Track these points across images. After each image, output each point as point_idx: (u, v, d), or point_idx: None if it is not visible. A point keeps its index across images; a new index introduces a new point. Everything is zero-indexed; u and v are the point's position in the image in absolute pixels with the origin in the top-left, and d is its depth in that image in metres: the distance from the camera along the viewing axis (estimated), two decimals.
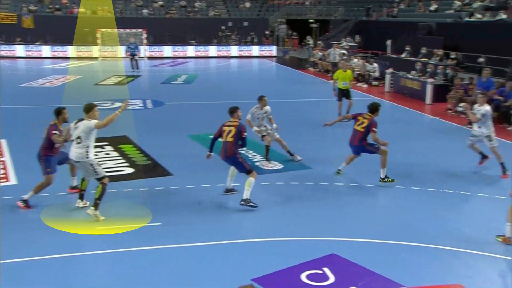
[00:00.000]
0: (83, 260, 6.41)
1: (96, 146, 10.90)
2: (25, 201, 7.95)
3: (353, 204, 8.37)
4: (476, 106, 9.98)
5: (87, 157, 7.53)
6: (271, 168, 10.17)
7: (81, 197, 7.98)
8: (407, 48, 23.87)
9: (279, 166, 10.33)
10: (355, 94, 15.23)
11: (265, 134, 10.45)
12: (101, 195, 7.52)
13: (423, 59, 21.45)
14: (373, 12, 37.52)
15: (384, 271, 5.93)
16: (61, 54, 33.62)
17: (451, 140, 12.74)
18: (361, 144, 9.22)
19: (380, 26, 32.52)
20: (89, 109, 7.64)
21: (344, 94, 15.09)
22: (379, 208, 8.31)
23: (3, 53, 32.93)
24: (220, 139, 8.34)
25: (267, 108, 10.61)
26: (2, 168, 9.83)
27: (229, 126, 8.22)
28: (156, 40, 35.71)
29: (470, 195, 8.77)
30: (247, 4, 42.42)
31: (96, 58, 33.19)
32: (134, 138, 12.14)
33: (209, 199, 8.49)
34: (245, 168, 8.11)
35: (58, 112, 8.27)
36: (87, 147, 7.52)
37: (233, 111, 8.44)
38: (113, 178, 8.85)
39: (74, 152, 7.57)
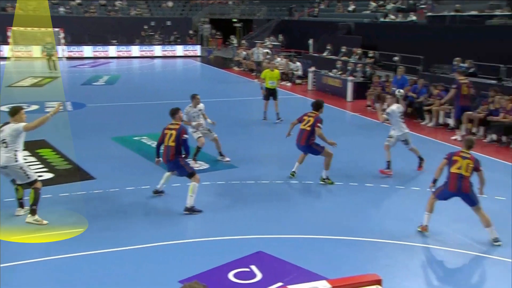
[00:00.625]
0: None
1: None
2: None
3: (279, 201, 8.50)
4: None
5: (16, 161, 7.22)
6: (197, 168, 10.10)
7: (21, 205, 7.66)
8: (328, 47, 24.63)
9: (205, 166, 10.31)
10: (279, 93, 15.46)
11: (200, 135, 10.35)
12: (35, 200, 7.29)
13: (343, 58, 22.22)
14: (295, 12, 38.37)
15: (309, 265, 6.08)
16: None
17: (370, 136, 13.29)
18: (308, 144, 9.19)
19: (302, 26, 33.30)
20: (15, 112, 7.37)
21: (271, 93, 15.10)
22: (304, 204, 8.49)
23: None
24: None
25: (201, 105, 10.55)
26: None
27: (170, 129, 7.98)
28: (74, 40, 34.33)
29: (390, 188, 9.19)
30: (170, 4, 41.86)
31: (8, 58, 31.32)
32: (53, 142, 11.62)
33: (134, 202, 8.31)
34: (187, 171, 7.97)
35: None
36: (15, 150, 7.22)
37: (174, 113, 8.18)
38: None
39: (1, 157, 7.20)
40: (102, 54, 34.28)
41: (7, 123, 7.38)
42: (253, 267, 6.01)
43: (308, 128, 9.16)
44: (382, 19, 26.56)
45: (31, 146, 11.08)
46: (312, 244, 6.87)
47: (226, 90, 21.79)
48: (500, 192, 8.58)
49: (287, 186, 9.22)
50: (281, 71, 23.25)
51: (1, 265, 6.06)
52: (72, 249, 6.57)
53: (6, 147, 7.21)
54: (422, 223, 7.12)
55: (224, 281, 5.74)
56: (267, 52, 25.77)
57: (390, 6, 27.71)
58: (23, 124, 7.29)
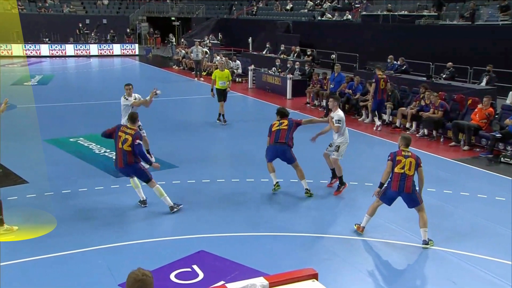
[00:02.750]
0: None
1: None
2: None
3: (221, 201, 8.48)
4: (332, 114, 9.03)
5: None
6: None
7: None
8: (267, 45, 24.86)
9: (145, 166, 10.09)
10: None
11: None
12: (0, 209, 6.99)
13: (282, 56, 22.50)
14: (234, 10, 38.44)
15: (251, 263, 6.12)
16: None
17: (310, 132, 13.51)
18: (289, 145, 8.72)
19: (241, 24, 33.43)
20: None
21: (222, 94, 14.37)
22: (245, 202, 8.52)
23: None
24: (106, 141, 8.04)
25: (136, 95, 10.30)
26: None
27: (126, 133, 7.72)
28: (2, 38, 32.66)
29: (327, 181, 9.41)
30: (105, 1, 40.75)
31: None
32: None
33: (72, 205, 8.03)
34: (147, 176, 7.79)
35: None
36: None
37: (135, 117, 7.97)
38: None
39: None
40: (34, 53, 32.86)
41: None
42: (195, 267, 5.97)
43: (285, 128, 8.73)
44: (319, 18, 27.13)
45: None
46: (253, 241, 6.91)
47: (166, 90, 21.45)
48: (431, 185, 8.99)
49: (228, 185, 9.21)
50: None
51: None
52: (7, 256, 6.27)
53: None
54: (360, 223, 7.17)
55: (166, 282, 5.66)
56: (206, 51, 25.67)
57: (326, 5, 28.35)
58: None
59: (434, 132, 12.90)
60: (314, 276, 3.35)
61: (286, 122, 8.78)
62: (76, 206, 8.06)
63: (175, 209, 7.82)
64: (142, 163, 7.88)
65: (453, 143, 12.25)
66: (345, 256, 6.58)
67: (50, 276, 5.91)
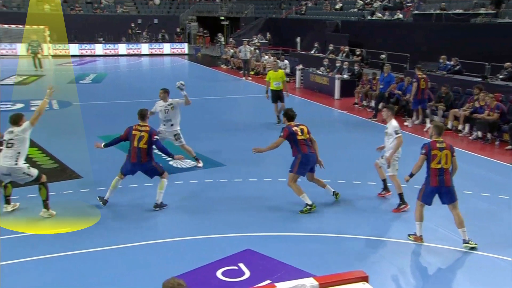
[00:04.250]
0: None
1: None
2: None
3: (267, 199, 8.51)
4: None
5: (16, 164, 7.23)
6: (184, 167, 10.09)
7: (8, 202, 7.62)
8: (316, 45, 24.69)
9: (192, 164, 10.27)
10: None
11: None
12: (47, 194, 7.40)
13: (330, 56, 22.29)
14: (283, 10, 38.41)
15: (297, 263, 6.11)
16: None
17: (357, 133, 13.36)
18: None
19: (289, 24, 33.35)
20: (17, 120, 7.39)
21: (277, 95, 14.16)
22: (292, 202, 8.50)
23: None
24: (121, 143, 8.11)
25: (170, 100, 10.24)
26: None
27: (140, 131, 7.85)
28: (60, 37, 33.97)
29: (377, 185, 9.24)
30: (157, 1, 41.64)
31: None
32: (39, 141, 11.50)
33: (124, 201, 8.26)
34: (158, 171, 7.96)
35: None
36: (18, 152, 7.23)
37: (144, 114, 8.07)
38: (16, 184, 8.33)
39: (2, 161, 7.20)
40: (89, 52, 34.02)
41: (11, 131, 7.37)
42: (241, 265, 6.02)
43: (308, 136, 8.19)
44: (369, 17, 26.70)
45: None
46: (299, 241, 6.89)
47: (215, 89, 21.75)
48: (485, 189, 8.68)
49: (274, 185, 9.22)
50: (269, 69, 23.30)
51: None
52: (55, 249, 6.53)
53: (10, 147, 7.18)
54: (414, 233, 6.90)
55: (212, 279, 5.74)
56: (255, 50, 25.79)
57: (377, 4, 27.86)
58: (27, 121, 7.32)
59: (488, 135, 12.44)
60: (365, 279, 3.31)
61: (305, 129, 8.19)
62: (127, 201, 8.28)
63: (158, 208, 7.84)
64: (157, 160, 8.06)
65: (509, 147, 11.77)
66: (394, 260, 6.46)
67: (100, 270, 6.09)
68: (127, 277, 5.90)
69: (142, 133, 7.80)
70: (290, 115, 8.24)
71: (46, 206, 7.44)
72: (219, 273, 5.84)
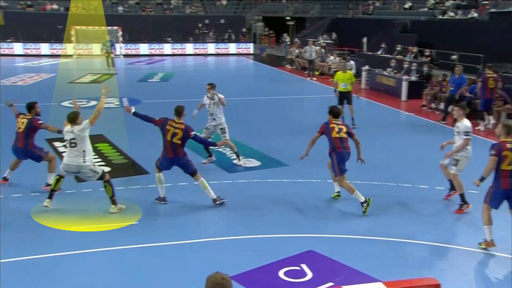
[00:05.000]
0: (69, 259, 6.32)
1: None
2: (48, 184, 8.25)
3: (330, 200, 8.42)
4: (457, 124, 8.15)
5: (84, 162, 7.44)
6: (248, 166, 10.18)
7: (51, 197, 7.74)
8: (383, 45, 24.14)
9: (257, 163, 10.35)
10: (332, 91, 15.22)
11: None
12: (113, 191, 7.62)
13: (398, 56, 21.72)
14: (350, 10, 37.85)
15: (361, 266, 6.00)
16: (34, 52, 33.03)
17: (425, 136, 12.93)
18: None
19: (356, 24, 32.83)
20: (75, 118, 7.54)
21: (344, 97, 13.74)
22: (356, 204, 8.36)
23: None
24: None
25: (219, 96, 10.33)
26: None
27: (175, 127, 7.95)
28: (132, 37, 35.34)
29: (444, 190, 8.91)
30: (224, 2, 42.30)
31: (70, 56, 32.67)
32: (110, 137, 12.00)
33: (185, 198, 8.45)
34: (193, 168, 8.06)
35: (31, 106, 8.58)
36: (84, 150, 7.44)
37: (180, 111, 8.14)
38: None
39: (69, 160, 7.46)
40: (158, 52, 35.12)
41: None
42: (304, 266, 5.99)
43: (344, 136, 8.08)
44: (440, 17, 25.76)
45: (90, 140, 11.50)
46: (362, 244, 6.77)
47: (279, 88, 21.78)
48: None
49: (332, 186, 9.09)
50: (334, 69, 23.05)
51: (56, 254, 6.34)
52: (123, 241, 6.78)
53: (74, 146, 7.40)
54: (484, 239, 6.60)
55: (275, 279, 5.75)
56: (321, 50, 25.59)
57: (449, 2, 26.81)
58: (87, 120, 7.48)
59: None
60: (437, 287, 3.18)
61: (344, 129, 8.04)
62: (191, 199, 8.46)
63: (218, 202, 7.92)
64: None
65: None
66: (464, 269, 6.20)
67: (163, 265, 6.25)
68: (186, 273, 5.98)
69: (177, 130, 7.90)
70: (335, 112, 8.26)
71: (113, 202, 7.64)
72: (281, 273, 5.85)
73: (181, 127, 7.92)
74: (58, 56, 32.69)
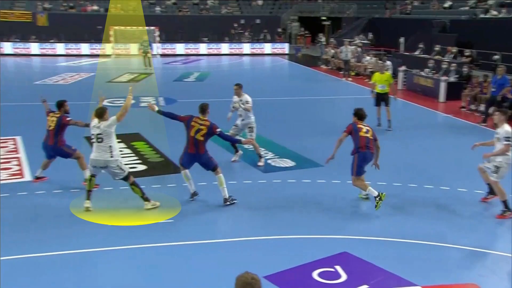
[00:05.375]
0: (100, 255, 6.47)
1: None
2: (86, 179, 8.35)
3: (365, 202, 8.32)
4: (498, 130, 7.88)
5: (111, 157, 7.53)
6: (283, 166, 10.16)
7: (89, 197, 7.79)
8: (420, 45, 23.68)
9: (291, 163, 10.32)
10: (368, 92, 15.02)
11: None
12: (141, 190, 7.71)
13: (436, 57, 21.26)
14: (387, 10, 37.30)
15: (396, 269, 5.90)
16: (74, 52, 33.92)
17: (464, 138, 12.60)
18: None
19: (393, 24, 32.31)
20: (102, 113, 7.64)
21: (382, 98, 13.49)
22: (395, 207, 8.24)
23: (18, 51, 33.39)
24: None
25: (246, 97, 10.31)
26: (17, 165, 9.95)
27: (200, 124, 8.01)
28: (168, 37, 35.82)
29: (484, 194, 8.67)
30: (260, 2, 42.39)
31: (109, 55, 33.39)
32: (147, 136, 12.19)
33: (219, 197, 8.51)
34: (213, 164, 8.09)
35: (60, 104, 8.82)
36: (110, 146, 7.53)
37: (205, 109, 8.22)
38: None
39: (97, 155, 7.56)
40: (193, 52, 35.48)
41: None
42: (338, 268, 5.94)
43: (371, 137, 8.14)
44: (482, 16, 25.07)
45: (127, 139, 11.76)
46: (397, 247, 6.65)
47: (313, 89, 21.66)
48: None
49: (373, 187, 8.97)
50: (370, 70, 22.76)
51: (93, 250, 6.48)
52: (165, 238, 6.87)
53: (100, 142, 7.49)
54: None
55: (308, 279, 5.73)
56: (357, 50, 25.32)
57: (492, 1, 26.05)
58: (114, 117, 7.58)
59: None
60: None
61: (371, 131, 8.08)
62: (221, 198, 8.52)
63: (228, 203, 7.91)
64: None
65: None
66: (504, 276, 6.00)
67: (196, 264, 6.29)
68: (219, 272, 5.97)
69: (201, 127, 7.97)
70: (360, 114, 8.27)
71: (146, 200, 7.72)
72: (315, 274, 5.82)
73: (206, 123, 8.02)
74: (97, 56, 33.48)
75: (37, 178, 8.99)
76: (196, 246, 6.66)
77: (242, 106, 10.16)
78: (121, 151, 10.91)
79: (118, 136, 11.44)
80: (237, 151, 10.43)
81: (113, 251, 6.49)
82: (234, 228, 7.27)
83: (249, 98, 10.26)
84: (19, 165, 9.95)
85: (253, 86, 22.10)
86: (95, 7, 38.14)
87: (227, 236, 6.94)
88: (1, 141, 11.59)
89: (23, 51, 33.55)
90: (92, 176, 7.77)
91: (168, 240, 6.79)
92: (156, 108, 8.48)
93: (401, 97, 18.85)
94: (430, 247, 6.64)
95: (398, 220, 7.60)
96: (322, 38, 35.33)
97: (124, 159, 10.33)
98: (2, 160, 10.06)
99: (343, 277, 5.77)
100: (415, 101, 18.10)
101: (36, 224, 7.27)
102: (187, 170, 8.12)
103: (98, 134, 7.51)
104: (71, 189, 8.60)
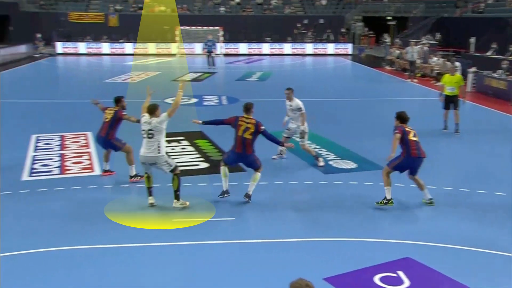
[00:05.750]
0: (148, 251, 6.65)
1: (172, 141, 11.36)
2: (132, 176, 8.86)
3: (429, 207, 8.04)
4: None
5: (159, 152, 7.63)
6: (345, 167, 10.02)
7: (150, 193, 7.91)
8: (493, 45, 22.60)
9: (353, 165, 10.16)
10: (436, 94, 14.48)
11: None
12: (178, 186, 7.74)
13: (511, 57, 20.21)
14: (457, 8, 35.88)
15: (464, 279, 5.67)
16: (142, 51, 35.08)
17: None
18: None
19: (463, 23, 31.04)
20: (154, 109, 7.70)
21: (450, 101, 12.85)
22: (459, 212, 7.93)
23: (91, 50, 35.03)
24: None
25: (296, 102, 10.13)
26: (87, 159, 10.42)
27: (246, 122, 8.05)
28: (232, 37, 36.28)
29: None
30: (323, 2, 42.04)
31: (174, 55, 34.29)
32: (209, 134, 12.39)
33: (282, 196, 8.52)
34: (258, 165, 8.10)
35: (118, 100, 9.17)
36: (159, 141, 7.62)
37: (249, 108, 8.24)
38: (189, 172, 9.10)
39: (146, 151, 7.67)
40: (256, 51, 35.73)
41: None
42: (401, 273, 5.78)
43: (416, 138, 8.07)
44: None
45: (190, 137, 12.02)
46: (467, 255, 6.38)
47: (376, 90, 21.21)
48: None
49: (438, 193, 8.68)
50: (437, 71, 21.99)
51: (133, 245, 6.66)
52: (225, 236, 6.97)
53: (151, 137, 7.58)
54: None
55: (369, 283, 5.61)
56: (423, 50, 24.53)
57: None
58: (165, 113, 7.65)
59: None
60: None
61: (415, 132, 8.05)
62: (290, 196, 8.54)
63: (248, 199, 7.96)
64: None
65: None
66: None
67: (260, 261, 6.33)
68: (280, 273, 5.95)
69: (248, 125, 8.01)
70: (403, 117, 8.19)
71: (177, 197, 7.73)
72: (376, 278, 5.69)
73: (253, 121, 8.08)
74: (163, 55, 34.47)
75: (105, 171, 9.36)
76: (255, 245, 6.69)
77: (297, 113, 10.08)
78: (184, 148, 11.24)
79: (181, 134, 11.96)
80: (282, 151, 10.42)
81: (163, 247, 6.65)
82: (291, 229, 7.23)
83: (300, 103, 10.12)
84: (89, 159, 10.41)
85: (315, 86, 22.02)
86: (163, 8, 39.28)
87: (284, 237, 6.92)
88: (74, 136, 12.19)
89: (95, 51, 35.13)
90: (148, 175, 7.85)
91: (226, 238, 6.87)
92: (201, 121, 8.58)
93: (470, 100, 18.09)
94: (503, 258, 6.32)
95: (465, 227, 7.29)
96: (387, 39, 34.51)
97: (187, 156, 10.62)
98: (74, 155, 10.58)
99: (406, 283, 5.61)
100: (485, 104, 17.31)
101: (102, 217, 7.56)
102: (226, 168, 8.15)
103: (149, 130, 7.62)
104: (138, 184, 8.87)
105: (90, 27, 36.68)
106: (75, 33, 35.83)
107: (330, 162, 10.26)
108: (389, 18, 39.69)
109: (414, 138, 7.92)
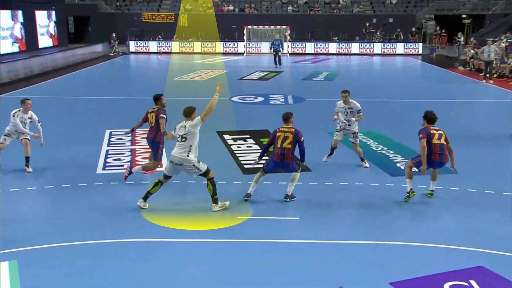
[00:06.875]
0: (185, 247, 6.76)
1: (238, 139, 11.50)
2: (130, 172, 8.92)
3: (504, 213, 7.64)
4: None
5: (187, 156, 7.45)
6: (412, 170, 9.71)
7: (146, 198, 7.73)
8: None
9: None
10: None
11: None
12: (214, 190, 7.64)
13: None
14: None
15: None
16: (210, 50, 35.76)
17: None
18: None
19: None
20: (190, 112, 7.56)
21: None
22: None
23: (161, 49, 36.17)
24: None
25: (355, 104, 9.86)
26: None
27: (285, 132, 7.98)
28: (299, 36, 36.19)
29: None
30: (394, 1, 40.98)
31: (241, 53, 34.68)
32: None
33: (348, 197, 8.41)
34: (297, 168, 8.08)
35: (157, 98, 9.08)
36: (190, 146, 7.46)
37: (288, 117, 8.18)
38: (256, 170, 9.14)
39: (176, 153, 7.55)
40: (323, 51, 35.42)
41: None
42: (473, 282, 5.53)
43: (445, 142, 7.94)
44: None
45: (256, 135, 12.11)
46: None
47: (446, 91, 20.40)
48: None
49: (487, 197, 8.25)
50: None
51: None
52: (291, 235, 6.98)
53: (184, 141, 7.45)
54: None
55: None
56: (501, 49, 23.33)
57: None
58: (199, 117, 7.50)
59: None
60: None
61: (444, 134, 7.99)
62: (349, 199, 8.43)
63: (288, 199, 8.00)
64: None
65: None
66: None
67: (326, 262, 6.28)
68: (345, 274, 5.90)
69: (287, 134, 7.95)
70: (430, 118, 8.12)
71: (215, 201, 7.63)
72: (446, 286, 5.48)
73: (292, 130, 8.03)
74: (230, 54, 34.96)
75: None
76: (321, 245, 6.64)
77: (353, 118, 9.84)
78: (250, 147, 11.32)
79: (247, 133, 12.07)
80: (331, 154, 10.18)
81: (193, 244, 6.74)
82: (355, 230, 7.11)
83: (358, 105, 9.88)
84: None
85: (383, 86, 21.51)
86: (231, 7, 39.87)
87: (348, 238, 6.82)
88: (144, 132, 12.60)
89: (165, 49, 36.24)
90: (159, 181, 7.74)
91: (289, 237, 6.88)
92: (256, 159, 8.53)
93: None
94: None
95: None
96: (460, 38, 33.15)
97: (253, 155, 10.67)
98: (144, 150, 10.95)
99: None
100: None
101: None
102: (263, 176, 8.14)
103: (183, 134, 7.49)
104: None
105: (161, 26, 37.89)
106: (147, 32, 37.18)
107: (398, 164, 9.98)
108: (463, 16, 38.04)
109: (438, 141, 7.80)
